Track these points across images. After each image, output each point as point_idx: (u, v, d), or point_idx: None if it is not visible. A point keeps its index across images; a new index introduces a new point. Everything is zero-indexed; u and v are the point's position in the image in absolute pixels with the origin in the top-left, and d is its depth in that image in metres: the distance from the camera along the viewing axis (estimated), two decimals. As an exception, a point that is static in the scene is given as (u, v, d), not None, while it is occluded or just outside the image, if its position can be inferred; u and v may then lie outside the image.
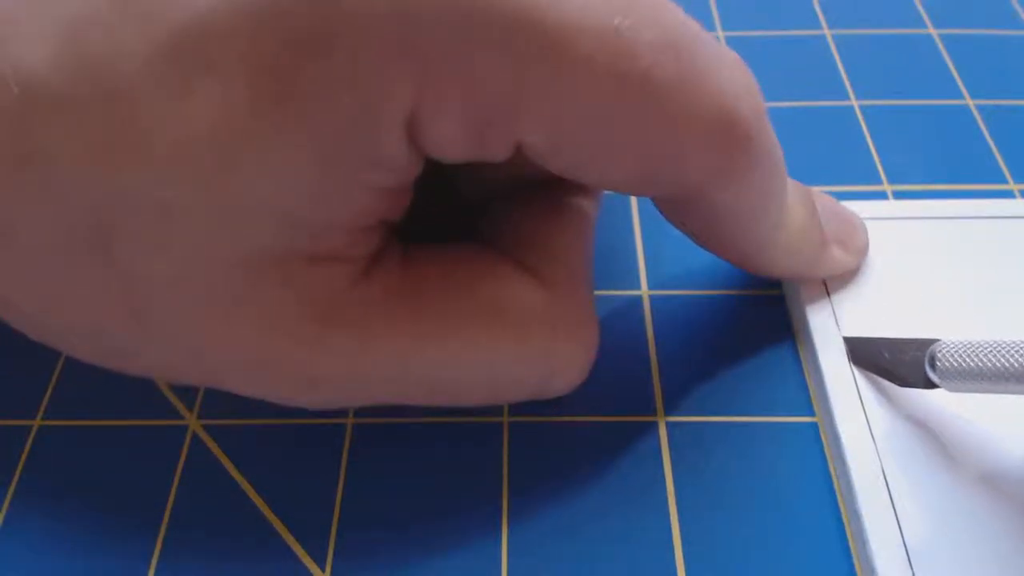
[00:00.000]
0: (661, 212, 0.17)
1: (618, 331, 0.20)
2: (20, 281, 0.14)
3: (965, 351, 0.16)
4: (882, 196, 0.22)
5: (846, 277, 0.20)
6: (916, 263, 0.20)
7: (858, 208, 0.21)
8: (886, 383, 0.18)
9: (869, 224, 0.20)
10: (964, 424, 0.17)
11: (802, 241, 0.18)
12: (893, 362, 0.17)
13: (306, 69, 0.12)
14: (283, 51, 0.12)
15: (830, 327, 0.19)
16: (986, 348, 0.15)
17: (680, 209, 0.16)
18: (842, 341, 0.18)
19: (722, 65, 0.14)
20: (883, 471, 0.16)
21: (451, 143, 0.13)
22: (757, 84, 0.15)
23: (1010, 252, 0.20)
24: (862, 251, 0.20)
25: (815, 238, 0.18)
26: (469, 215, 0.18)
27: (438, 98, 0.12)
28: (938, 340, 0.16)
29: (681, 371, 0.19)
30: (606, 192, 0.23)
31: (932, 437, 0.17)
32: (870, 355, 0.18)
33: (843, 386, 0.18)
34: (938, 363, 0.16)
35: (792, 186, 0.18)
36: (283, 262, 0.14)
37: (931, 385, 0.16)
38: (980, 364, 0.15)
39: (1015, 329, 0.19)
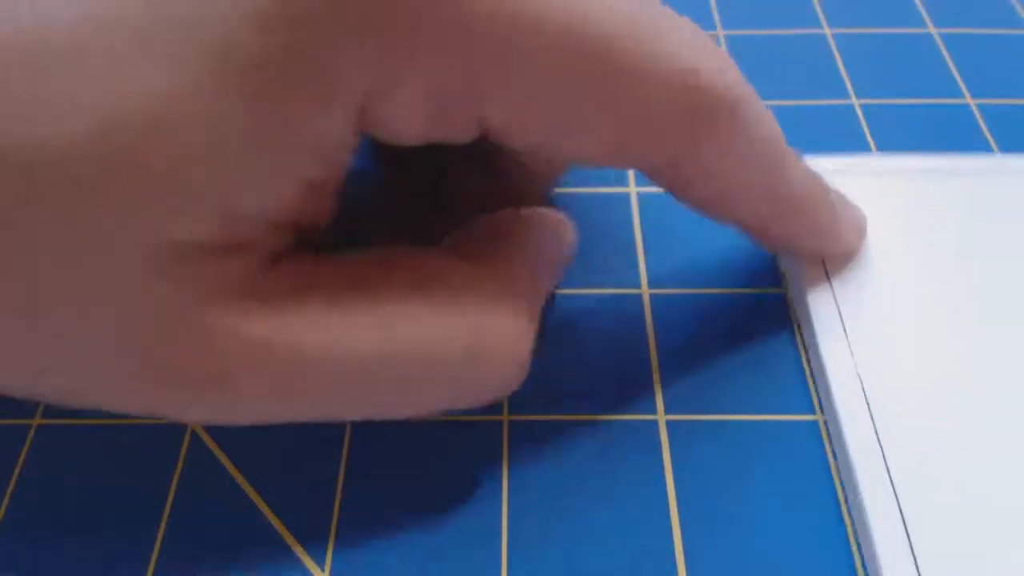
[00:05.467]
0: (659, 185, 0.17)
1: (618, 331, 0.20)
2: None
3: None
4: (882, 195, 0.23)
5: (847, 263, 0.20)
6: (917, 264, 0.20)
7: (844, 163, 0.22)
8: (890, 381, 0.17)
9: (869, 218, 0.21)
10: (971, 420, 0.17)
11: (815, 205, 0.18)
12: None
13: (260, 40, 0.12)
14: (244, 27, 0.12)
15: (834, 324, 0.19)
16: None
17: (670, 177, 0.16)
18: (846, 337, 0.18)
19: (681, 35, 0.14)
20: (887, 469, 0.16)
21: (410, 123, 0.13)
22: (724, 51, 0.15)
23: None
24: (863, 233, 0.20)
25: (827, 207, 0.18)
26: None
27: (396, 79, 0.13)
28: None
29: (681, 370, 0.19)
30: (607, 192, 0.23)
31: (937, 435, 0.17)
32: None
33: (846, 383, 0.18)
34: None
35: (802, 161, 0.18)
36: (187, 251, 0.13)
37: None
38: None
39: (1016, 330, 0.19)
